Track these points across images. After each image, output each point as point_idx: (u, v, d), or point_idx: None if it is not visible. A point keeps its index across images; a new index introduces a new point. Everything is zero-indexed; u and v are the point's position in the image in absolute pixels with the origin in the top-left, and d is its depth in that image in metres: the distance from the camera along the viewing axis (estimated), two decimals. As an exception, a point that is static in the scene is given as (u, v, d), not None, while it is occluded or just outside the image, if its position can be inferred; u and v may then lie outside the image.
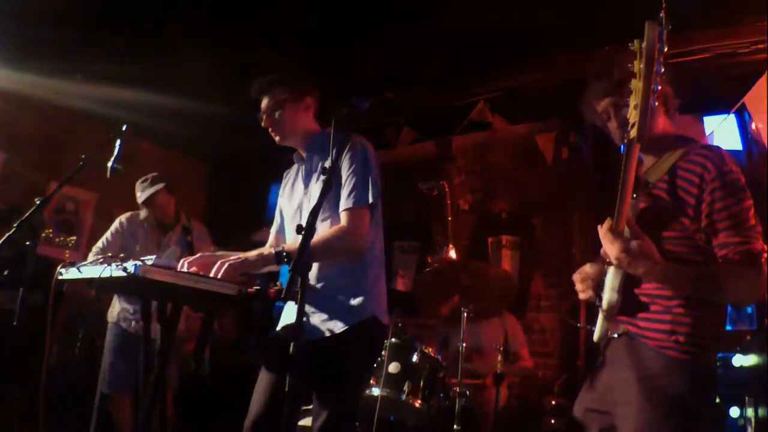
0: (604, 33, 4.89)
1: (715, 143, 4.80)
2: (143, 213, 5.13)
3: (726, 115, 4.84)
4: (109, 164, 3.19)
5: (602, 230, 2.11)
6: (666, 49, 2.13)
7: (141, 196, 5.06)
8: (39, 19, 5.23)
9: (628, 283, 2.18)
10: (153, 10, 5.10)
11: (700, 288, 2.10)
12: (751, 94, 4.46)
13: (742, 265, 2.06)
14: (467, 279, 4.72)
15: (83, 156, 3.18)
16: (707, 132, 4.97)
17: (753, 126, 4.81)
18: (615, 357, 2.29)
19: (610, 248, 2.08)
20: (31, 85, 6.19)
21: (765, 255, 2.09)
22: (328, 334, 2.88)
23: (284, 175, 3.42)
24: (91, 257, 4.67)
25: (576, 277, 2.37)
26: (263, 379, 3.02)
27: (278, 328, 3.18)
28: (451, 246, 5.95)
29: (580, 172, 6.07)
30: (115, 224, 5.09)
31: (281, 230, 3.36)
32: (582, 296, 2.34)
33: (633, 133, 2.06)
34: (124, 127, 3.25)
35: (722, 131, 5.01)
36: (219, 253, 2.99)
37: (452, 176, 7.12)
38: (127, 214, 5.16)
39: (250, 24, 5.22)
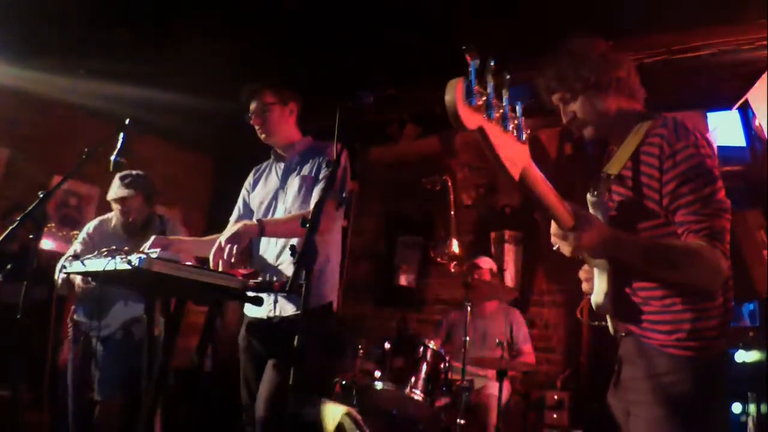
0: (606, 28, 4.90)
1: (718, 140, 4.80)
2: (114, 217, 4.65)
3: (729, 112, 4.84)
4: (112, 158, 3.19)
5: (552, 236, 2.02)
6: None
7: (111, 192, 4.52)
8: (42, 16, 5.22)
9: (619, 285, 2.15)
10: (155, 6, 5.09)
11: (652, 260, 2.02)
12: (754, 90, 4.46)
13: (700, 242, 1.98)
14: (471, 278, 4.75)
15: (86, 149, 3.18)
16: (710, 128, 4.97)
17: (756, 122, 4.81)
18: (628, 355, 2.23)
19: (562, 246, 1.99)
20: (34, 81, 6.19)
21: (726, 233, 2.02)
22: (289, 313, 3.19)
23: (254, 169, 3.82)
24: (60, 268, 4.45)
25: (581, 274, 2.35)
26: (246, 368, 3.37)
27: (248, 313, 3.44)
28: (454, 241, 5.96)
29: (584, 168, 6.06)
30: (82, 234, 4.65)
31: (241, 219, 3.62)
32: (586, 290, 2.30)
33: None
34: (127, 121, 3.26)
35: (725, 127, 5.00)
36: (190, 239, 3.42)
37: (455, 171, 7.12)
38: (95, 221, 4.71)
39: (253, 19, 5.21)
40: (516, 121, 1.63)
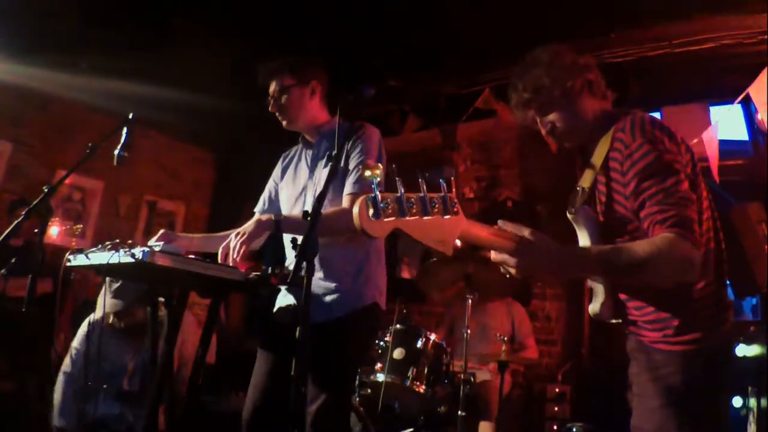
0: (610, 20, 4.90)
1: (720, 133, 4.79)
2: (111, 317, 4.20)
3: (731, 105, 4.84)
4: (116, 152, 3.17)
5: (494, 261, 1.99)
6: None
7: (112, 303, 4.02)
8: (43, 13, 5.23)
9: (614, 291, 2.17)
10: (157, 3, 5.10)
11: (615, 269, 1.96)
12: (755, 84, 4.46)
13: (666, 234, 1.90)
14: (473, 268, 4.75)
15: (90, 144, 3.17)
16: (713, 121, 4.97)
17: (758, 116, 4.81)
18: (631, 351, 2.26)
19: (508, 270, 1.97)
20: (36, 78, 6.20)
21: (694, 223, 1.93)
22: (329, 317, 2.93)
23: (282, 156, 3.49)
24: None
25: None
26: (262, 364, 3.10)
27: (275, 309, 3.22)
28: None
29: (585, 160, 6.07)
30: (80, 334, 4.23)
31: (267, 212, 3.37)
32: None
33: None
34: (130, 116, 3.25)
35: (728, 121, 5.01)
36: (199, 235, 3.25)
37: (457, 164, 7.13)
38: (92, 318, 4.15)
39: (253, 13, 5.22)
40: (441, 199, 1.76)
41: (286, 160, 3.45)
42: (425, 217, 1.72)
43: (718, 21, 4.82)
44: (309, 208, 3.00)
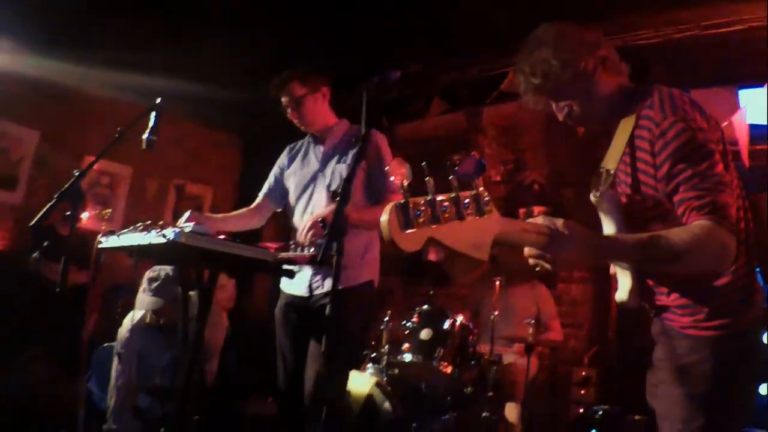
0: (636, 2, 4.86)
1: (748, 117, 4.74)
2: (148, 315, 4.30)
3: (761, 89, 4.78)
4: (145, 136, 3.22)
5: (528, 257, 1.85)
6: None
7: (151, 301, 4.17)
8: (66, 6, 5.29)
9: (641, 277, 2.08)
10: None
11: (649, 257, 1.85)
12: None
13: (702, 222, 1.81)
14: (498, 250, 4.76)
15: (118, 129, 3.22)
16: (741, 105, 4.92)
17: (787, 100, 4.75)
18: (656, 335, 2.19)
19: (542, 266, 1.83)
20: (54, 71, 6.27)
21: (730, 209, 1.84)
22: (325, 290, 3.30)
23: (288, 147, 3.85)
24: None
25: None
26: (287, 342, 3.45)
27: (285, 289, 3.52)
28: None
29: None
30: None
31: (270, 194, 3.79)
32: None
33: None
34: (158, 100, 3.29)
35: (757, 105, 4.95)
36: (221, 215, 3.60)
37: (483, 147, 7.11)
38: (130, 321, 4.20)
39: (274, 1, 5.25)
40: (474, 197, 1.57)
41: (293, 150, 3.80)
42: (459, 221, 1.52)
43: (745, 4, 4.76)
44: (317, 198, 3.46)
